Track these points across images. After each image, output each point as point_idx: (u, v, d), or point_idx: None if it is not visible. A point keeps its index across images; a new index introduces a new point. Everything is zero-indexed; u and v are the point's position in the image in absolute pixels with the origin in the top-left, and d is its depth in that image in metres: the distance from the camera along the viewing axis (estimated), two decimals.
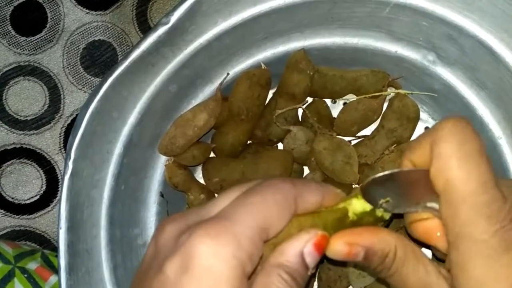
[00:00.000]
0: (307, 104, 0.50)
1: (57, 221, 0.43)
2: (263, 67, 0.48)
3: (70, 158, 0.43)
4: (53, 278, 0.50)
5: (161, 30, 0.43)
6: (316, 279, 0.48)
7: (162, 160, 0.49)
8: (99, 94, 0.43)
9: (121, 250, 0.46)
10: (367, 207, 0.32)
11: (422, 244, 0.33)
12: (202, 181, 0.51)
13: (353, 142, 0.50)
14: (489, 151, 0.47)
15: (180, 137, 0.47)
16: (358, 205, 0.32)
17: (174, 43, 0.44)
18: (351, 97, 0.50)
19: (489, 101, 0.47)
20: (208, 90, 0.49)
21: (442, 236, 0.30)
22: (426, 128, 0.52)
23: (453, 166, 0.27)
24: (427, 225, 0.31)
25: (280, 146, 0.50)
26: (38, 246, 0.58)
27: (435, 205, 0.30)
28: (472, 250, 0.27)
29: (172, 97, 0.47)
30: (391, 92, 0.49)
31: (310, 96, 0.50)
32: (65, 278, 0.43)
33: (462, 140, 0.28)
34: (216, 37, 0.45)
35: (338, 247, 0.30)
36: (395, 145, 0.49)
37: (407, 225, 0.33)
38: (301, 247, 0.29)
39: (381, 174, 0.30)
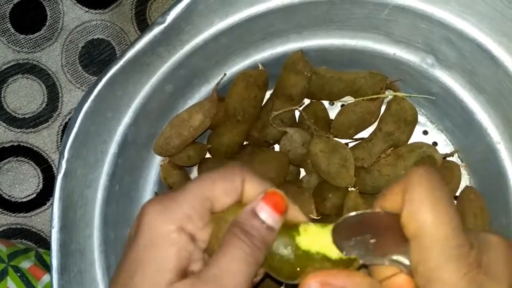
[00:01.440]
0: (304, 105, 0.49)
1: (50, 220, 0.42)
2: (260, 68, 0.47)
3: (63, 157, 0.42)
4: (46, 277, 0.49)
5: (157, 30, 0.41)
6: None
7: (157, 160, 0.48)
8: (93, 93, 0.42)
9: (115, 250, 0.45)
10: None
11: None
12: None
13: (350, 145, 0.49)
14: (486, 156, 0.47)
15: (175, 138, 0.46)
16: (310, 232, 0.32)
17: (170, 42, 0.43)
18: (348, 99, 0.49)
19: (487, 105, 0.46)
20: (205, 91, 0.48)
21: None
22: (424, 132, 0.51)
23: (425, 210, 0.28)
24: (396, 282, 0.30)
25: (277, 147, 0.50)
26: (33, 245, 0.57)
27: (401, 258, 0.30)
28: None
29: (167, 97, 0.46)
30: (389, 94, 0.48)
31: (307, 98, 0.49)
32: (57, 278, 0.42)
33: (433, 187, 0.28)
34: (213, 37, 0.44)
35: (312, 285, 0.30)
36: (392, 148, 0.48)
37: (380, 280, 0.32)
38: (252, 206, 0.30)
39: (353, 213, 0.30)
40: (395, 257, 0.30)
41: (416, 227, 0.28)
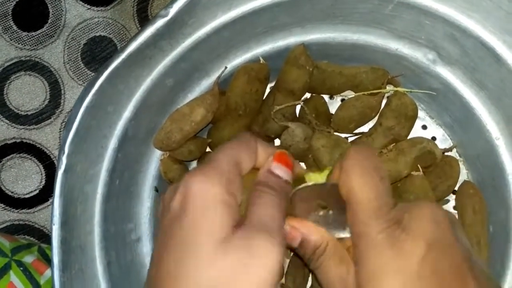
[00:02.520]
0: (305, 100, 0.46)
1: (51, 217, 0.38)
2: (261, 62, 0.44)
3: (64, 153, 0.38)
4: (49, 272, 0.46)
5: (160, 23, 0.38)
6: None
7: (157, 155, 0.45)
8: (94, 87, 0.38)
9: (115, 246, 0.42)
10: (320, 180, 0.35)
11: None
12: None
13: (350, 139, 0.47)
14: (486, 152, 0.45)
15: (176, 132, 0.43)
16: (313, 178, 0.35)
17: (173, 36, 0.40)
18: (349, 94, 0.47)
19: (488, 101, 0.44)
20: (205, 84, 0.45)
21: None
22: (423, 126, 0.48)
23: (354, 177, 0.31)
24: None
25: (278, 142, 0.46)
26: (36, 240, 0.54)
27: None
28: (367, 246, 0.30)
29: (168, 91, 0.43)
30: (390, 89, 0.46)
31: (309, 92, 0.47)
32: (58, 275, 0.38)
33: (362, 158, 0.32)
34: (215, 31, 0.41)
35: (286, 227, 0.33)
36: (393, 143, 0.45)
37: None
38: (268, 166, 0.34)
39: (304, 185, 0.34)
40: (343, 234, 0.33)
41: (346, 192, 0.31)
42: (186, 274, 0.28)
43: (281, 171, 0.33)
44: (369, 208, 0.30)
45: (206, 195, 0.30)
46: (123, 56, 0.38)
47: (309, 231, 0.33)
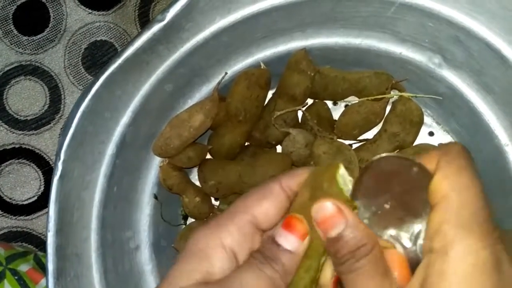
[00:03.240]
0: (307, 106, 0.46)
1: (46, 223, 0.38)
2: (262, 67, 0.44)
3: (60, 158, 0.39)
4: (44, 281, 0.46)
5: (156, 27, 0.39)
6: None
7: (156, 161, 0.45)
8: (90, 93, 0.39)
9: (112, 253, 0.42)
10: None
11: None
12: (197, 183, 0.47)
13: (354, 146, 0.47)
14: (494, 158, 0.44)
15: (175, 138, 0.43)
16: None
17: (170, 40, 0.40)
18: (353, 99, 0.47)
19: (496, 106, 0.43)
20: (205, 90, 0.45)
21: (400, 272, 0.28)
22: (430, 133, 0.48)
23: (465, 175, 0.26)
24: (391, 255, 0.28)
25: (279, 148, 0.47)
26: (34, 248, 0.54)
27: (403, 235, 0.28)
28: (462, 259, 0.25)
29: (167, 97, 0.43)
30: (394, 95, 0.46)
31: (311, 98, 0.47)
32: (53, 283, 0.39)
33: (471, 161, 0.28)
34: (214, 35, 0.41)
35: (328, 205, 0.28)
36: (398, 150, 0.45)
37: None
38: (273, 233, 0.29)
39: (390, 154, 0.28)
40: (395, 233, 0.28)
41: (449, 186, 0.26)
42: None
43: (286, 241, 0.29)
44: (480, 215, 0.26)
45: (194, 245, 0.29)
46: (119, 61, 0.39)
47: (356, 223, 0.28)
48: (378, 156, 0.28)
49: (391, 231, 0.28)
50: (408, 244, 0.28)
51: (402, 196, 0.28)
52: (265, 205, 0.29)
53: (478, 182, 0.27)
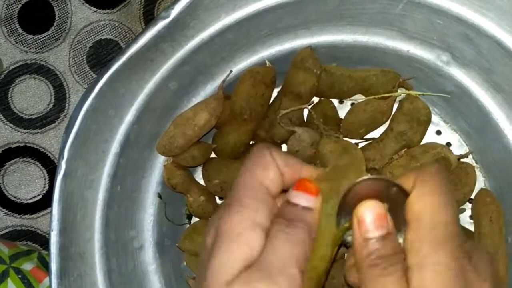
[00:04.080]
0: (313, 104, 0.46)
1: (49, 223, 0.38)
2: (267, 65, 0.44)
3: (63, 157, 0.39)
4: (48, 280, 0.45)
5: (161, 25, 0.38)
6: None
7: (160, 160, 0.45)
8: (94, 91, 0.38)
9: (116, 253, 0.42)
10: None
11: None
12: (202, 182, 0.47)
13: (361, 145, 0.46)
14: (504, 158, 0.44)
15: (179, 137, 0.43)
16: None
17: (174, 38, 0.40)
18: (359, 98, 0.46)
19: (505, 105, 0.43)
20: (210, 88, 0.44)
21: None
22: (438, 132, 0.47)
23: (437, 194, 0.29)
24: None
25: (284, 147, 0.46)
26: (39, 247, 0.54)
27: None
28: (433, 273, 0.27)
29: (171, 95, 0.43)
30: (401, 93, 0.45)
31: (317, 96, 0.46)
32: (56, 282, 0.39)
33: (445, 181, 0.30)
34: (219, 33, 0.40)
35: (378, 206, 0.30)
36: (405, 149, 0.45)
37: (346, 268, 0.32)
38: (286, 196, 0.31)
39: (368, 177, 0.30)
40: None
41: (422, 207, 0.29)
42: None
43: (302, 199, 0.30)
44: (446, 231, 0.28)
45: (229, 232, 0.29)
46: (123, 59, 0.38)
47: (394, 232, 0.30)
48: (359, 179, 0.30)
49: None
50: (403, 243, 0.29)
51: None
52: (271, 174, 0.31)
53: (450, 200, 0.29)
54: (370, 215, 0.29)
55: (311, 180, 0.31)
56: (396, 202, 0.29)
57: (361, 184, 0.30)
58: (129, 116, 0.41)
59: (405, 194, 0.29)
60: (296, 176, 0.31)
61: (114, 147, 0.41)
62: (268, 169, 0.31)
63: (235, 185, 0.31)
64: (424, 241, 0.28)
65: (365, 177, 0.30)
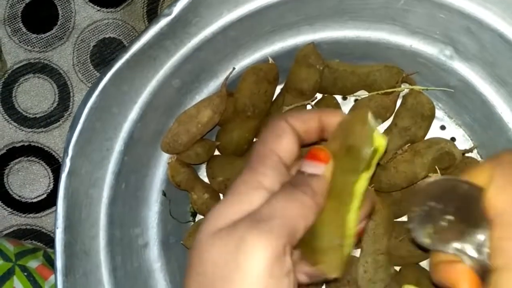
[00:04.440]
0: (316, 100, 0.46)
1: (54, 221, 0.38)
2: (270, 62, 0.44)
3: (67, 155, 0.39)
4: (53, 277, 0.45)
5: (163, 22, 0.38)
6: (324, 284, 0.43)
7: (164, 158, 0.45)
8: (98, 89, 0.39)
9: (121, 251, 0.42)
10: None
11: None
12: (206, 179, 0.47)
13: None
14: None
15: (183, 134, 0.42)
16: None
17: (177, 35, 0.40)
18: (362, 94, 0.46)
19: (509, 99, 0.43)
20: (213, 85, 0.44)
21: (469, 284, 0.28)
22: (442, 127, 0.47)
23: None
24: (456, 269, 0.29)
25: None
26: (44, 246, 0.54)
27: (468, 247, 0.28)
28: None
29: (175, 92, 0.43)
30: (405, 88, 0.45)
31: (320, 92, 0.46)
32: (61, 280, 0.39)
33: None
34: (221, 30, 0.40)
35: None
36: (409, 144, 0.44)
37: (432, 266, 0.30)
38: (298, 167, 0.31)
39: (439, 178, 0.29)
40: (460, 246, 0.28)
41: (506, 201, 0.26)
42: (190, 259, 0.29)
43: (311, 167, 0.31)
44: None
45: (235, 192, 0.30)
46: (126, 56, 0.38)
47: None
48: (425, 182, 0.29)
49: (455, 245, 0.28)
50: (474, 254, 0.28)
51: (458, 211, 0.28)
52: (284, 143, 0.31)
53: None
54: None
55: (323, 148, 0.31)
56: (470, 198, 0.28)
57: (429, 187, 0.29)
58: (133, 114, 0.41)
59: (479, 189, 0.28)
60: (318, 130, 0.32)
61: (118, 145, 0.41)
62: (280, 138, 0.31)
63: (251, 155, 0.32)
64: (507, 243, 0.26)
65: (432, 179, 0.29)
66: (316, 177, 0.30)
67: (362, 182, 0.30)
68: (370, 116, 0.30)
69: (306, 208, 0.29)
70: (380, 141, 0.30)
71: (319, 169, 0.31)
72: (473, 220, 0.28)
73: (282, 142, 0.31)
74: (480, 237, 0.28)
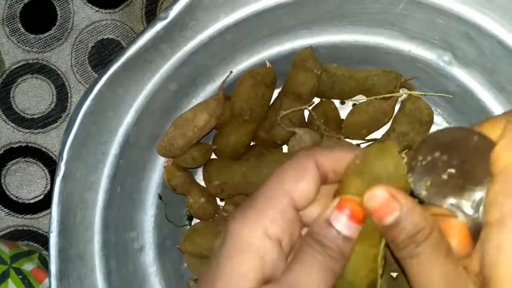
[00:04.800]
0: (313, 105, 0.45)
1: (48, 224, 0.38)
2: (268, 65, 0.44)
3: (62, 159, 0.39)
4: (48, 280, 0.45)
5: (159, 26, 0.38)
6: None
7: (160, 162, 0.45)
8: (93, 92, 0.38)
9: (116, 255, 0.42)
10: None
11: None
12: (202, 183, 0.47)
13: (362, 146, 0.46)
14: None
15: (179, 138, 0.42)
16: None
17: (173, 39, 0.39)
18: (360, 98, 0.46)
19: (507, 105, 0.42)
20: (210, 89, 0.44)
21: (460, 240, 0.27)
22: None
23: None
24: (448, 223, 0.27)
25: (285, 148, 0.46)
26: (40, 247, 0.54)
27: (465, 203, 0.27)
28: None
29: (171, 96, 0.42)
30: (403, 93, 0.45)
31: (317, 97, 0.46)
32: (56, 284, 0.39)
33: None
34: (218, 33, 0.40)
35: (379, 192, 0.26)
36: (407, 150, 0.44)
37: None
38: (327, 215, 0.27)
39: (447, 128, 0.28)
40: (456, 201, 0.27)
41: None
42: None
43: (342, 225, 0.27)
44: None
45: (239, 239, 0.27)
46: (122, 60, 0.38)
47: (412, 207, 0.26)
48: (436, 130, 0.28)
49: (451, 200, 0.27)
50: (470, 211, 0.27)
51: (462, 165, 0.27)
52: (303, 186, 0.28)
53: None
54: (372, 205, 0.27)
55: (357, 200, 0.27)
56: (477, 152, 0.27)
57: (438, 134, 0.28)
58: (129, 118, 0.41)
59: (489, 143, 0.27)
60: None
61: (114, 149, 0.41)
62: (301, 180, 0.28)
63: (259, 189, 0.29)
64: (508, 194, 0.25)
65: (443, 128, 0.27)
66: (349, 241, 0.27)
67: None
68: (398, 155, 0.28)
69: (335, 274, 0.27)
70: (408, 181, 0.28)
71: (355, 231, 0.27)
72: (476, 176, 0.27)
73: (300, 185, 0.28)
74: (479, 194, 0.27)
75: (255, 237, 0.27)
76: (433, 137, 0.28)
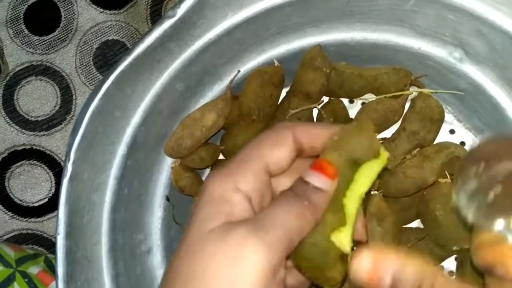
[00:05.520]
0: (322, 104, 0.45)
1: (55, 226, 0.38)
2: (276, 64, 0.43)
3: (69, 160, 0.38)
4: (54, 284, 0.45)
5: (167, 24, 0.38)
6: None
7: (168, 162, 0.45)
8: (100, 92, 0.38)
9: (124, 257, 0.42)
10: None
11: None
12: None
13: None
14: None
15: (187, 138, 0.42)
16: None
17: (181, 37, 0.39)
18: (370, 97, 0.45)
19: None
20: (217, 89, 0.44)
21: None
22: (451, 131, 0.46)
23: None
24: (501, 249, 0.26)
25: None
26: (45, 250, 0.54)
27: None
28: None
29: (179, 96, 0.42)
30: (413, 91, 0.45)
31: (326, 96, 0.46)
32: (63, 287, 0.38)
33: None
34: (226, 32, 0.40)
35: (362, 262, 0.27)
36: (418, 148, 0.44)
37: (473, 248, 0.28)
38: (302, 174, 0.30)
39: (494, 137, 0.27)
40: (505, 223, 0.26)
41: None
42: (179, 265, 0.28)
43: (317, 180, 0.30)
44: None
45: (211, 192, 0.29)
46: (129, 59, 0.38)
47: (405, 263, 0.26)
48: (486, 140, 0.28)
49: (501, 222, 0.26)
50: None
51: (508, 180, 0.26)
52: (277, 153, 0.30)
53: None
54: (363, 276, 0.27)
55: (330, 162, 0.30)
56: None
57: (485, 146, 0.27)
58: (136, 118, 0.41)
59: None
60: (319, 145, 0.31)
61: (121, 149, 0.41)
62: (277, 147, 0.31)
63: (237, 153, 0.31)
64: None
65: (488, 138, 0.27)
66: (320, 192, 0.29)
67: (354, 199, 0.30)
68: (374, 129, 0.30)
69: (306, 223, 0.29)
70: (384, 155, 0.30)
71: (326, 184, 0.29)
72: None
73: (277, 152, 0.30)
74: None
75: (226, 189, 0.29)
76: (479, 149, 0.27)
